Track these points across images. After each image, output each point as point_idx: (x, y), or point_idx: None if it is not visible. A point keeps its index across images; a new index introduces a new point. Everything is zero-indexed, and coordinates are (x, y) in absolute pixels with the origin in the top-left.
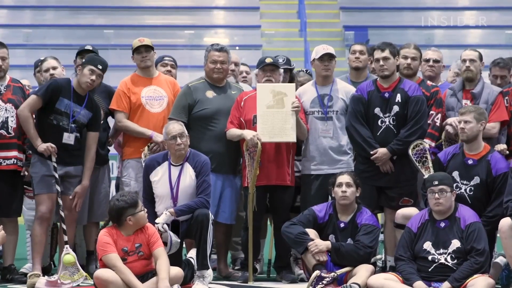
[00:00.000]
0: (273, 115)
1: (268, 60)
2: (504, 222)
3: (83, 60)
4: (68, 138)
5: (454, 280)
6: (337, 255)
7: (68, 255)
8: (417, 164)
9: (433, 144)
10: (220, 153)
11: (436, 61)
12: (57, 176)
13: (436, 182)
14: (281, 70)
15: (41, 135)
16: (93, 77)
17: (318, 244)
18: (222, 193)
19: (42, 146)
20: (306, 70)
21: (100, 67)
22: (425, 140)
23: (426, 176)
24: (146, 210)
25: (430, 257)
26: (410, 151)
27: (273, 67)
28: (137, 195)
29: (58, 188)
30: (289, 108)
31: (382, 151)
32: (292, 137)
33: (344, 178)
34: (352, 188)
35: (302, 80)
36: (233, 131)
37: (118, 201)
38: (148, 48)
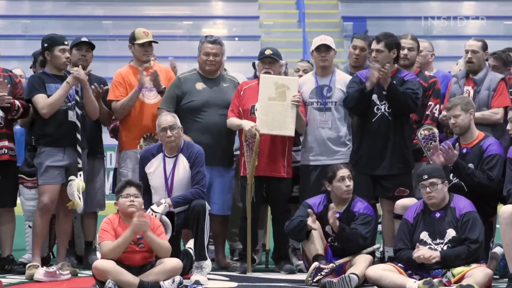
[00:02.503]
0: (274, 107)
1: (267, 52)
2: (506, 208)
3: (73, 49)
4: (72, 116)
5: (445, 254)
6: (340, 236)
7: (83, 183)
8: (425, 149)
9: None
10: (208, 145)
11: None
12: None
13: (426, 176)
14: (282, 62)
15: (46, 123)
16: (67, 55)
17: (331, 212)
18: (211, 184)
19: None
20: (308, 61)
21: (66, 42)
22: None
23: (431, 162)
24: (131, 198)
25: (427, 247)
26: (419, 135)
27: (271, 59)
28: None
29: (79, 160)
30: (290, 102)
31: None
32: (290, 131)
33: (345, 172)
34: (352, 180)
35: (305, 66)
36: (233, 120)
37: None
38: (151, 43)
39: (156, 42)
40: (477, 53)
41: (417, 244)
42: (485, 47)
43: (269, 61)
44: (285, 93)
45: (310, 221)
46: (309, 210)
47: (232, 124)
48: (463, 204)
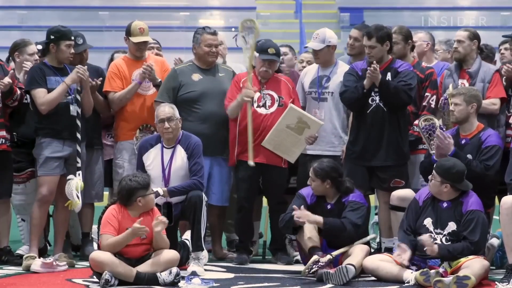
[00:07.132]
0: (287, 135)
1: (270, 51)
2: (507, 199)
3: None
4: (73, 112)
5: (443, 252)
6: (325, 230)
7: (82, 183)
8: (427, 140)
9: None
10: (205, 135)
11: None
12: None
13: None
14: (280, 58)
15: (46, 115)
16: (72, 50)
17: (310, 215)
18: (211, 174)
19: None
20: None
21: (72, 38)
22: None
23: (432, 152)
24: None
25: (427, 235)
26: (420, 124)
27: (272, 60)
28: (149, 177)
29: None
30: (304, 138)
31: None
32: (292, 159)
33: (310, 172)
34: (315, 182)
35: (309, 57)
36: (231, 105)
37: (130, 181)
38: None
39: (151, 40)
40: (463, 43)
41: (419, 237)
42: (473, 37)
43: (270, 60)
44: (304, 129)
45: (297, 213)
46: (295, 207)
47: (232, 109)
48: (471, 201)
